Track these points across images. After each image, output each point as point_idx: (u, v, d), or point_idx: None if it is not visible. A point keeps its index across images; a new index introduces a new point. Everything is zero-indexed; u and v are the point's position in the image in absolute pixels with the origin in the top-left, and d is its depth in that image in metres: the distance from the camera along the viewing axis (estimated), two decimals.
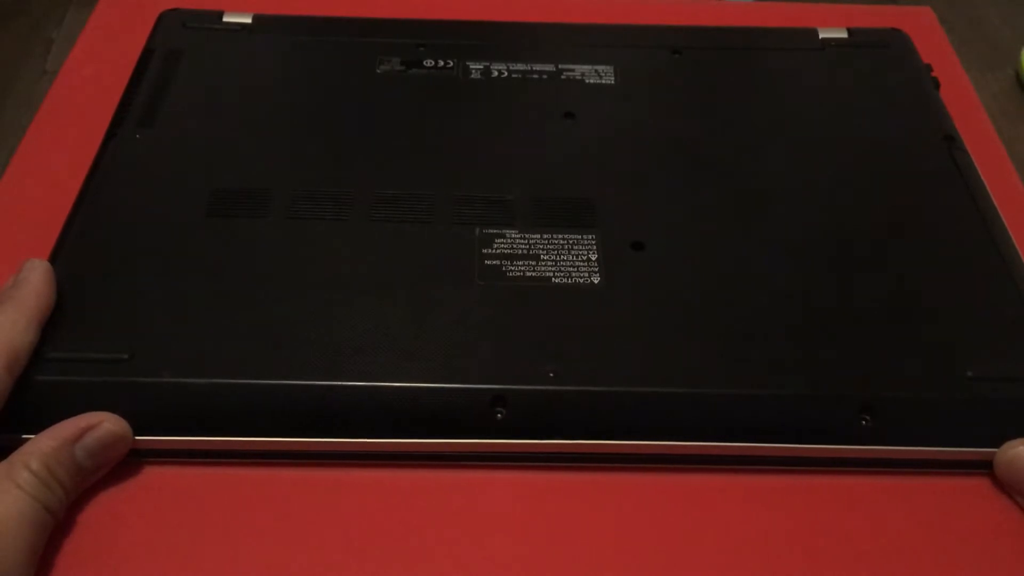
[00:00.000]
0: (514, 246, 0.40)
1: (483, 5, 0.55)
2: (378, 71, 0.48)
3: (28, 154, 0.47)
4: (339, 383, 0.35)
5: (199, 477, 0.35)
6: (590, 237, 0.40)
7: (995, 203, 0.43)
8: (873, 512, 0.35)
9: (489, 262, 0.39)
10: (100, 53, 0.49)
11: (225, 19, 0.50)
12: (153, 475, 0.35)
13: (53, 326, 0.36)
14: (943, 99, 0.49)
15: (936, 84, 0.49)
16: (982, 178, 0.44)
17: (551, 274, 0.39)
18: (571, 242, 0.40)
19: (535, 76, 0.48)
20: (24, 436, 0.33)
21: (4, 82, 1.14)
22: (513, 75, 0.48)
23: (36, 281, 0.35)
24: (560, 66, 0.49)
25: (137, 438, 0.34)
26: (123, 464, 0.35)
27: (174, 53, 0.48)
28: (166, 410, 0.35)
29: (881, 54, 0.51)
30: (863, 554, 0.34)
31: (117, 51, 0.50)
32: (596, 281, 0.39)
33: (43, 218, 0.42)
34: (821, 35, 0.52)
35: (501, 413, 0.35)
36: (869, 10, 0.58)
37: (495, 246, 0.40)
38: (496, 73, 0.48)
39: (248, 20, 0.50)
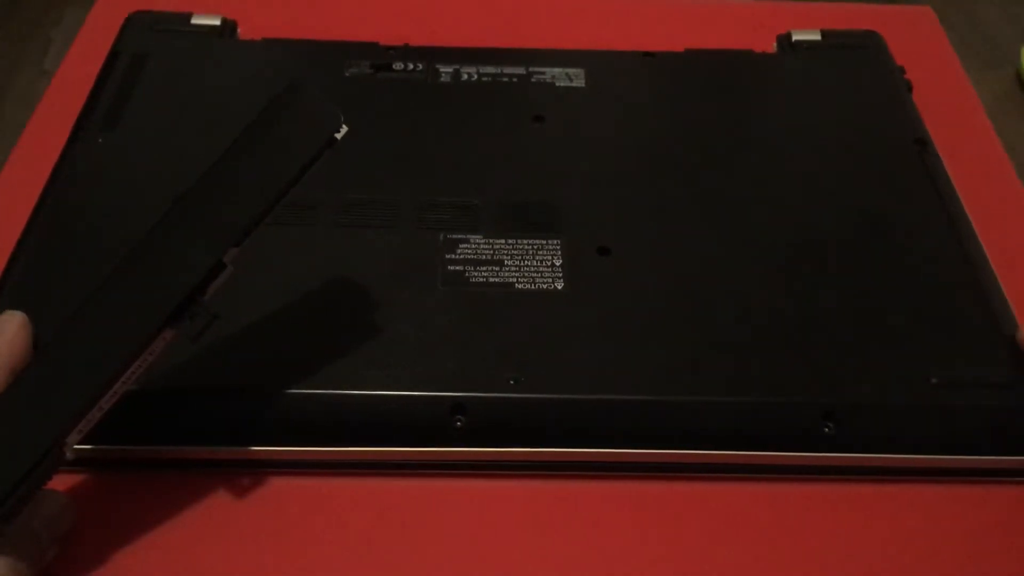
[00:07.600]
0: (478, 251, 0.40)
1: (461, 7, 0.55)
2: (346, 74, 0.47)
3: (26, 152, 0.47)
4: (294, 391, 0.35)
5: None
6: (555, 242, 0.40)
7: (964, 207, 0.43)
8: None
9: (452, 267, 0.39)
10: (97, 52, 0.49)
11: (194, 21, 0.50)
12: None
13: None
14: (942, 99, 0.48)
15: (909, 87, 0.49)
16: (952, 182, 0.44)
17: (515, 280, 0.39)
18: (536, 247, 0.40)
19: (505, 79, 0.48)
20: None
21: (3, 81, 1.14)
22: (483, 78, 0.48)
23: (10, 333, 0.34)
24: (531, 69, 0.49)
25: (86, 447, 0.34)
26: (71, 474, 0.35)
27: (140, 56, 0.47)
28: (118, 418, 0.34)
29: (854, 56, 0.50)
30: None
31: None
32: (560, 287, 0.38)
33: None
34: (794, 37, 0.51)
35: (461, 421, 0.35)
36: (868, 9, 0.58)
37: (459, 251, 0.39)
38: (466, 76, 0.48)
39: (217, 22, 0.50)
